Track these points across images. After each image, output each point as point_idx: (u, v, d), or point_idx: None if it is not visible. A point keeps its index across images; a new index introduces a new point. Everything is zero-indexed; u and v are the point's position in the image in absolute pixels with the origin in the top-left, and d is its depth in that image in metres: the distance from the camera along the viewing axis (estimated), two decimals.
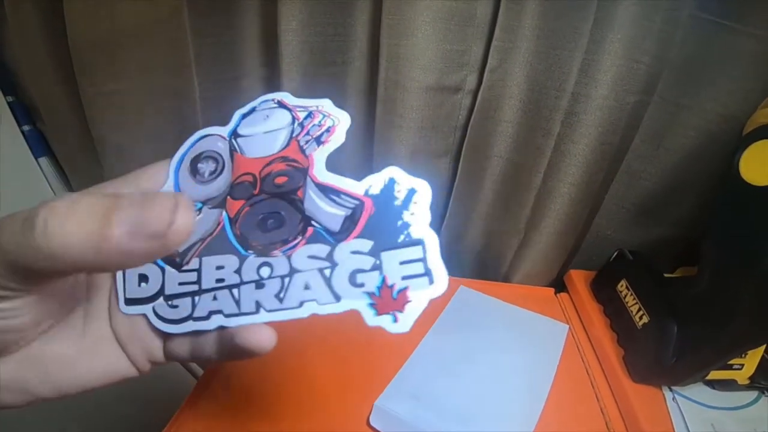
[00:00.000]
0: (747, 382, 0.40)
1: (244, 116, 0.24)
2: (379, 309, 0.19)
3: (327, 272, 0.20)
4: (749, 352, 0.39)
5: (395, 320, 0.19)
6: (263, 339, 0.20)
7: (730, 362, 0.39)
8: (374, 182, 0.21)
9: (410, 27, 0.41)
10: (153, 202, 0.16)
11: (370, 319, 0.19)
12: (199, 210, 0.22)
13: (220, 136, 0.23)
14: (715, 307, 0.38)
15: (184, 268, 0.22)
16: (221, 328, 0.21)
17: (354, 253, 0.20)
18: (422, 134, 0.46)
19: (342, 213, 0.21)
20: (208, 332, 0.21)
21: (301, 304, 0.20)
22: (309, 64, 0.44)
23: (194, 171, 0.23)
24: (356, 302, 0.20)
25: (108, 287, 0.23)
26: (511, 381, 0.41)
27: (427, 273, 0.19)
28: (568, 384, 0.41)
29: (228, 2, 0.44)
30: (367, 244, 0.20)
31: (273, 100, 0.24)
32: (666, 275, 0.46)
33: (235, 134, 0.23)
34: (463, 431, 0.36)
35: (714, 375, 0.39)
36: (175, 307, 0.22)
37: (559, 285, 0.54)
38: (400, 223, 0.20)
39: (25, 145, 0.60)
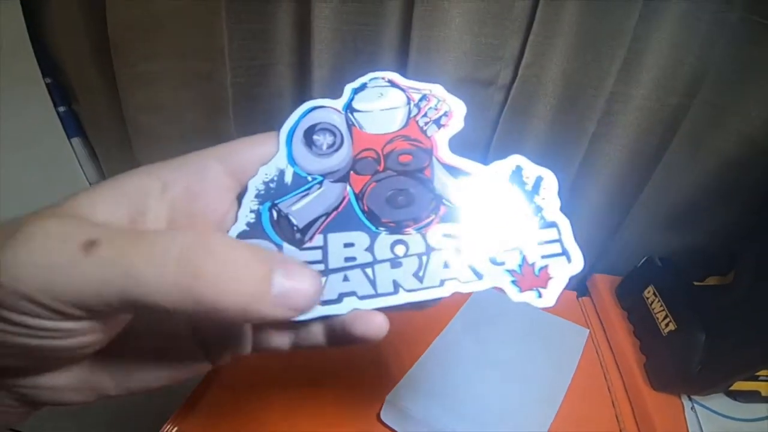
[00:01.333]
0: None
1: (356, 91, 0.23)
2: (522, 286, 0.20)
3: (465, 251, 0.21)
4: None
5: (540, 296, 0.20)
6: (377, 326, 0.19)
7: (760, 373, 0.39)
8: (501, 167, 0.22)
9: (443, 18, 0.41)
10: (303, 276, 0.17)
11: (515, 295, 0.20)
12: (320, 183, 0.22)
13: (334, 109, 0.23)
14: (749, 317, 0.38)
15: (306, 245, 0.21)
16: (355, 311, 0.20)
17: None
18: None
19: (474, 195, 0.22)
20: (339, 317, 0.20)
21: (442, 283, 0.20)
22: (340, 52, 0.45)
23: (309, 143, 0.22)
24: (499, 279, 0.20)
25: None
26: (526, 383, 0.41)
27: (565, 252, 0.21)
28: (585, 388, 0.42)
29: None
30: None
31: (383, 78, 0.24)
32: (695, 283, 0.46)
33: (350, 108, 0.23)
34: (473, 431, 0.36)
35: (737, 386, 0.39)
36: None
37: (582, 289, 0.54)
38: (533, 207, 0.22)
39: (60, 126, 0.63)
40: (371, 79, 0.24)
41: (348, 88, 0.23)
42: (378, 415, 0.37)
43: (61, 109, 0.64)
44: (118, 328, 0.18)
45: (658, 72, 0.42)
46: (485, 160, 0.46)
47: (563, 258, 0.21)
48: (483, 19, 0.42)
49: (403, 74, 0.45)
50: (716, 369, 0.38)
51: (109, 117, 0.58)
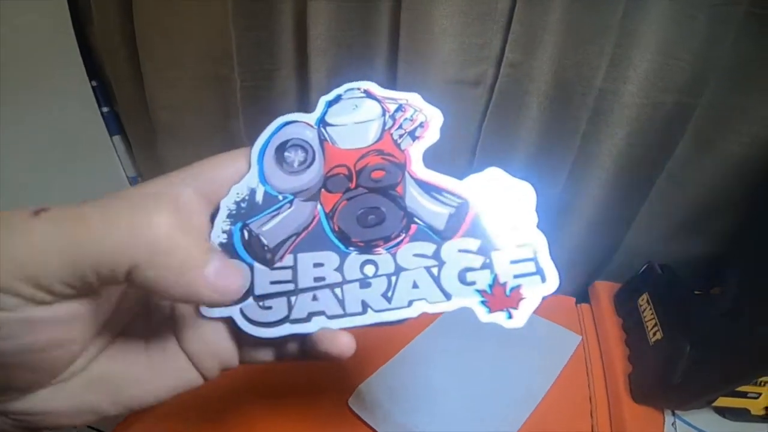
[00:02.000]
0: (762, 412, 0.38)
1: (330, 104, 0.23)
2: (491, 306, 0.20)
3: (435, 270, 0.21)
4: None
5: (510, 316, 0.20)
6: (344, 345, 0.21)
7: (745, 389, 0.37)
8: (477, 181, 0.22)
9: (427, 21, 0.43)
10: (233, 268, 0.20)
11: (484, 316, 0.20)
12: (291, 202, 0.22)
13: (306, 123, 0.23)
14: (733, 329, 0.37)
15: (277, 265, 0.21)
16: (324, 329, 0.21)
17: (462, 251, 0.21)
18: (441, 129, 0.48)
19: (446, 211, 0.21)
20: (314, 335, 0.21)
21: (410, 304, 0.21)
22: (335, 56, 0.48)
23: (281, 160, 0.22)
24: (467, 300, 0.20)
25: (168, 301, 0.22)
26: (503, 385, 0.42)
27: (539, 271, 0.20)
28: (566, 397, 0.42)
29: (268, 2, 0.50)
30: (474, 243, 0.21)
31: (359, 88, 0.23)
32: (697, 293, 0.45)
33: (323, 123, 0.23)
34: (433, 426, 0.38)
35: (725, 402, 0.38)
36: (268, 308, 0.21)
37: (584, 296, 0.54)
38: (508, 223, 0.21)
39: (103, 124, 0.71)
40: (346, 90, 0.23)
41: (322, 101, 0.23)
42: (347, 402, 0.39)
43: (105, 109, 0.71)
44: (101, 319, 0.19)
45: (646, 68, 0.42)
46: (473, 162, 0.47)
47: (537, 277, 0.20)
48: (466, 20, 0.43)
49: (394, 77, 0.48)
50: (698, 381, 0.37)
51: (141, 115, 0.65)
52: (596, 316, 0.50)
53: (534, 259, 0.21)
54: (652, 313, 0.43)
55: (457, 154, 0.50)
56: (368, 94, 0.23)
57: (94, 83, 0.70)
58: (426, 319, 0.47)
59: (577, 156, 0.47)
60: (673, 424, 0.39)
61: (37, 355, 0.18)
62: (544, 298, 0.20)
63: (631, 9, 0.40)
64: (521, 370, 0.44)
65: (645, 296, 0.45)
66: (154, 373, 0.21)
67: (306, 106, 0.54)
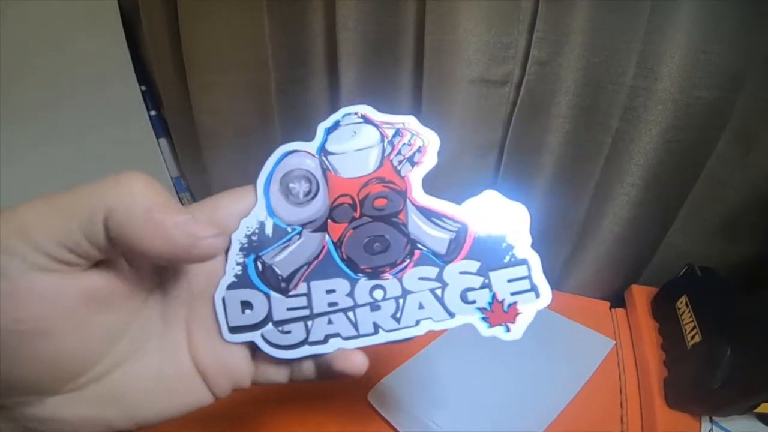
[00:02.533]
0: None
1: (329, 130, 0.24)
2: (491, 322, 0.23)
3: (438, 292, 0.23)
4: None
5: (508, 330, 0.23)
6: (357, 364, 0.23)
7: None
8: (474, 205, 0.24)
9: (452, 20, 0.44)
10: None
11: (484, 330, 0.23)
12: (299, 234, 0.23)
13: (307, 152, 0.24)
14: None
15: (292, 293, 0.23)
16: (340, 350, 0.23)
17: (462, 273, 0.23)
18: (467, 128, 0.49)
19: (447, 236, 0.23)
20: (324, 355, 0.23)
21: (417, 323, 0.23)
22: (363, 57, 0.50)
23: (286, 191, 0.23)
24: (469, 317, 0.23)
25: (183, 318, 0.23)
26: (529, 386, 0.42)
27: (533, 288, 0.23)
28: (596, 401, 0.42)
29: (300, 8, 0.52)
30: (474, 265, 0.23)
31: (356, 113, 0.24)
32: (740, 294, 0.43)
33: (324, 151, 0.24)
34: (452, 424, 0.38)
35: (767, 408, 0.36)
36: (288, 332, 0.23)
37: (620, 300, 0.53)
38: (504, 245, 0.23)
39: (150, 127, 0.76)
40: (344, 116, 0.24)
41: (321, 128, 0.24)
42: (366, 396, 0.40)
43: (152, 113, 0.76)
44: (112, 314, 0.21)
45: (678, 63, 0.41)
46: (500, 161, 0.48)
47: (532, 294, 0.23)
48: (492, 19, 0.44)
49: (420, 77, 0.49)
50: (739, 386, 0.36)
51: (184, 119, 0.69)
52: (631, 320, 0.49)
53: (528, 277, 0.23)
54: (690, 316, 0.42)
55: (485, 153, 0.50)
56: (366, 119, 0.24)
57: (143, 88, 0.75)
58: None
59: (609, 155, 0.47)
60: (710, 431, 0.37)
61: (55, 344, 0.19)
62: (538, 312, 0.23)
63: (660, 3, 0.40)
64: (549, 373, 0.44)
65: (684, 299, 0.44)
66: (167, 391, 0.23)
67: (337, 108, 0.56)
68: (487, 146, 0.50)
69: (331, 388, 0.42)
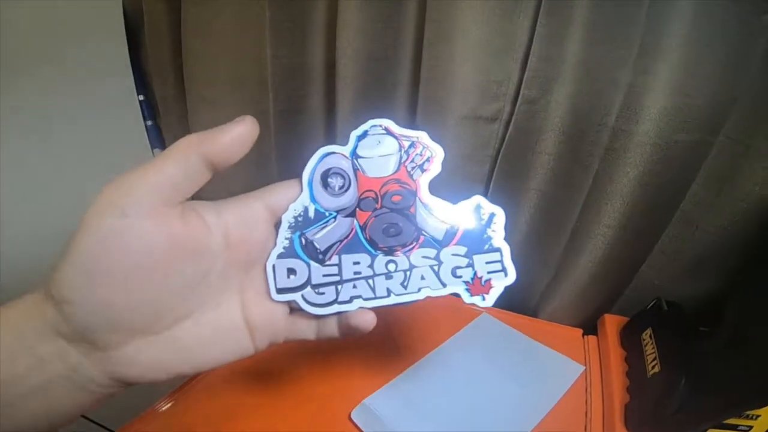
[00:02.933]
0: None
1: (359, 138, 0.31)
2: (472, 292, 0.31)
3: (435, 268, 0.31)
4: (763, 413, 0.39)
5: (483, 299, 0.31)
6: (369, 320, 0.30)
7: (735, 422, 0.39)
8: (466, 205, 0.32)
9: (448, 57, 0.48)
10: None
11: (467, 298, 0.31)
12: (335, 218, 0.31)
13: (342, 155, 0.31)
14: (726, 366, 0.39)
15: (327, 263, 0.31)
16: (361, 308, 0.30)
17: (454, 255, 0.31)
18: (456, 161, 0.53)
19: (444, 227, 0.31)
20: (349, 312, 0.30)
21: (419, 290, 0.31)
22: (361, 85, 0.53)
23: (325, 184, 0.31)
24: (457, 288, 0.31)
25: (239, 283, 0.30)
26: (501, 408, 0.45)
27: (504, 270, 0.31)
28: (562, 425, 0.44)
29: (302, 31, 0.56)
30: (462, 249, 0.31)
31: (381, 126, 0.31)
32: (703, 329, 0.47)
33: (355, 155, 0.31)
34: None
35: None
36: (322, 294, 0.31)
37: (592, 328, 0.56)
38: (485, 236, 0.31)
39: (145, 137, 0.78)
40: (371, 126, 0.32)
41: (353, 136, 0.31)
42: (349, 415, 0.43)
43: (148, 123, 0.78)
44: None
45: (660, 107, 0.44)
46: (486, 195, 0.51)
47: (502, 273, 0.31)
48: (485, 56, 0.47)
49: (414, 109, 0.53)
50: (691, 412, 0.39)
51: (181, 131, 0.71)
52: (601, 348, 0.53)
53: (500, 261, 0.31)
54: (653, 347, 0.45)
55: (472, 186, 0.54)
56: (388, 131, 0.32)
57: (141, 97, 0.77)
58: (433, 341, 0.51)
59: (588, 194, 0.50)
60: None
61: (154, 281, 0.25)
62: (506, 288, 0.31)
63: (647, 45, 0.42)
64: (521, 395, 0.46)
65: (649, 331, 0.47)
66: (220, 341, 0.29)
67: (332, 131, 0.60)
68: (474, 179, 0.54)
69: (314, 406, 0.44)
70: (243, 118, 0.27)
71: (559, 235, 0.53)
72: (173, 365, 0.27)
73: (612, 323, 0.54)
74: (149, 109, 0.78)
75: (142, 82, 0.77)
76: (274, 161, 0.64)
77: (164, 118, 0.76)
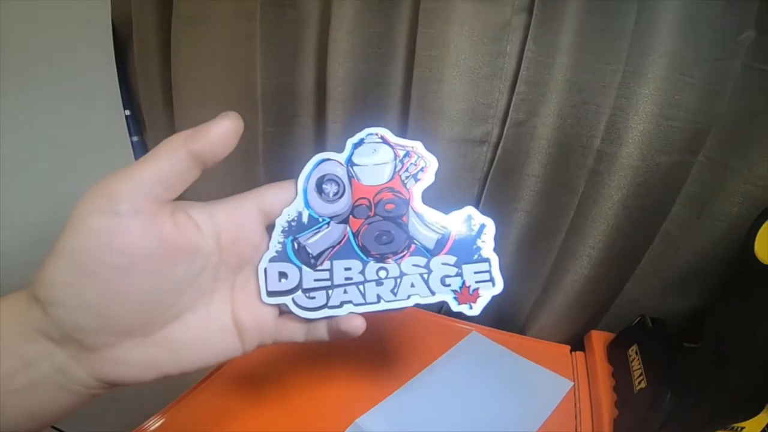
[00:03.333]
0: None
1: (356, 146, 0.32)
2: (460, 300, 0.32)
3: (425, 276, 0.32)
4: (747, 425, 0.40)
5: (471, 308, 0.32)
6: (358, 325, 0.31)
7: None
8: (457, 216, 0.33)
9: (438, 81, 0.49)
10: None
11: (455, 306, 0.32)
12: (328, 223, 0.32)
13: (338, 162, 0.32)
14: (708, 380, 0.41)
15: (318, 268, 0.31)
16: (351, 313, 0.31)
17: (444, 264, 0.32)
18: (445, 185, 0.54)
19: (435, 236, 0.32)
20: (339, 317, 0.31)
21: (408, 297, 0.32)
22: (352, 108, 0.55)
23: (320, 190, 0.31)
24: (445, 296, 0.32)
25: (229, 284, 0.30)
26: (493, 425, 0.46)
27: (491, 280, 0.32)
28: None
29: (293, 52, 0.57)
30: (452, 259, 0.32)
31: (377, 134, 0.32)
32: (688, 345, 0.49)
33: (351, 162, 0.32)
34: None
35: None
36: (313, 298, 0.31)
37: (579, 344, 0.58)
38: (474, 246, 0.32)
39: (132, 153, 0.78)
40: (367, 135, 0.32)
41: (349, 143, 0.32)
42: None
43: (134, 138, 0.78)
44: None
45: (642, 130, 0.45)
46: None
47: (490, 283, 0.32)
48: (476, 80, 0.49)
49: (404, 132, 0.54)
50: (676, 427, 0.40)
51: None
52: (589, 364, 0.54)
53: (489, 271, 0.32)
54: (639, 363, 0.47)
55: (462, 205, 0.54)
56: (384, 140, 0.32)
57: (128, 112, 0.77)
58: (423, 360, 0.52)
59: (574, 216, 0.52)
60: None
61: (144, 282, 0.25)
62: (494, 302, 0.32)
63: (631, 70, 0.44)
64: (510, 413, 0.47)
65: (635, 347, 0.49)
66: (209, 342, 0.29)
67: (318, 152, 0.60)
68: (463, 202, 0.54)
69: (305, 427, 0.45)
70: (227, 113, 0.27)
71: (545, 256, 0.55)
72: (162, 366, 0.28)
73: (599, 339, 0.56)
74: (135, 124, 0.78)
75: (128, 97, 0.77)
76: (264, 182, 0.64)
77: (151, 134, 0.76)
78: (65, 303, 0.24)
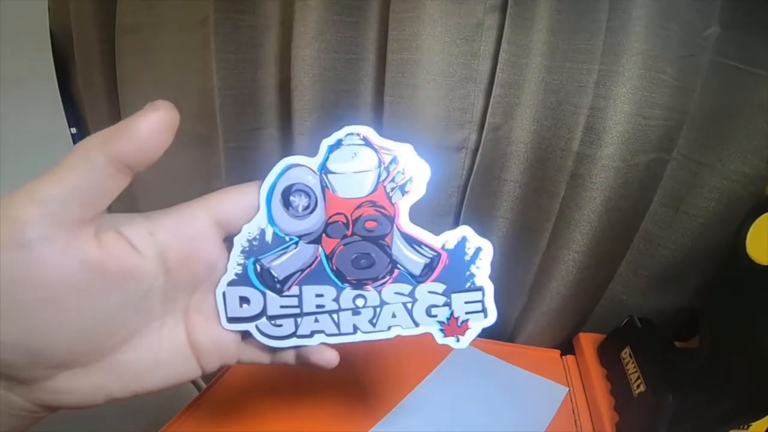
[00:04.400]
0: None
1: (332, 148, 0.26)
2: (446, 333, 0.28)
3: (409, 305, 0.28)
4: (753, 425, 0.40)
5: (458, 341, 0.29)
6: (330, 358, 0.28)
7: None
8: (449, 238, 0.28)
9: (411, 86, 0.47)
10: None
11: (440, 339, 0.29)
12: (296, 243, 0.27)
13: (309, 168, 0.26)
14: (710, 382, 0.40)
15: (285, 293, 0.27)
16: (323, 344, 0.28)
17: (430, 292, 0.28)
18: (423, 196, 0.51)
19: (422, 261, 0.28)
20: (309, 348, 0.28)
21: (389, 328, 0.28)
22: (319, 118, 0.51)
23: (287, 203, 0.26)
24: (430, 328, 0.28)
25: (182, 307, 0.26)
26: None
27: (484, 310, 0.29)
28: None
29: (252, 59, 0.53)
30: (440, 287, 0.28)
31: (358, 134, 0.26)
32: (678, 344, 0.48)
33: (325, 169, 0.26)
34: None
35: None
36: (279, 326, 0.28)
37: (568, 347, 0.57)
38: (468, 273, 0.28)
39: None
40: (347, 135, 0.26)
41: (324, 145, 0.26)
42: None
43: None
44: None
45: (621, 130, 0.44)
46: (457, 225, 0.50)
47: (481, 315, 0.29)
48: (451, 84, 0.47)
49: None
50: (682, 431, 0.40)
51: None
52: (581, 367, 0.53)
53: (482, 301, 0.28)
54: (634, 367, 0.46)
55: (441, 218, 0.53)
56: (366, 141, 0.26)
57: (74, 130, 0.72)
58: (412, 377, 0.50)
59: (556, 221, 0.50)
60: None
61: (74, 317, 0.22)
62: (484, 329, 0.29)
63: (605, 70, 0.43)
64: (511, 423, 0.46)
65: (627, 350, 0.48)
66: (163, 365, 0.26)
67: None
68: (443, 212, 0.53)
69: None
70: (155, 103, 0.23)
71: (529, 262, 0.53)
72: (110, 390, 0.25)
73: (587, 341, 0.55)
74: None
75: (73, 114, 0.72)
76: None
77: None
78: None
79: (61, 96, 0.68)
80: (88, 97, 0.68)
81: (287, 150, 0.57)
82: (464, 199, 0.52)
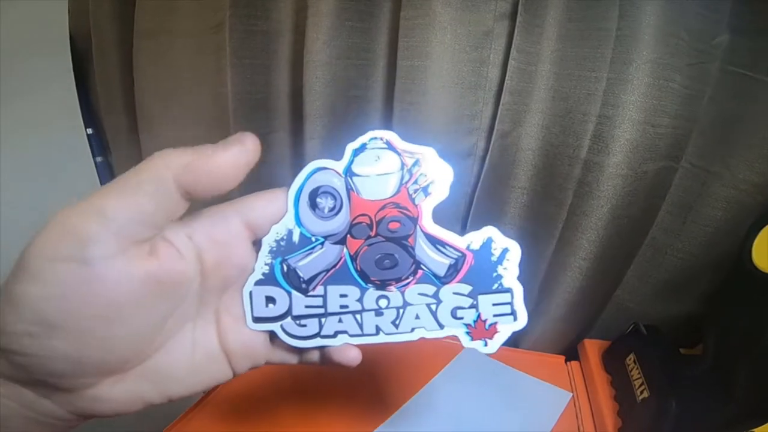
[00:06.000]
0: None
1: (356, 152, 0.27)
2: (473, 336, 0.28)
3: (433, 307, 0.28)
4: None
5: (486, 344, 0.28)
6: (353, 357, 0.28)
7: None
8: (475, 239, 0.28)
9: (420, 92, 0.47)
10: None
11: (467, 342, 0.28)
12: (322, 244, 0.27)
13: (335, 171, 0.27)
14: (714, 388, 0.40)
15: (310, 293, 0.28)
16: (346, 344, 0.28)
17: (456, 294, 0.28)
18: None
19: (447, 262, 0.27)
20: (332, 347, 0.28)
21: (412, 330, 0.28)
22: (330, 123, 0.52)
23: (313, 205, 0.27)
24: (456, 330, 0.28)
25: (214, 309, 0.27)
26: None
27: (513, 313, 0.28)
28: None
29: (266, 65, 0.54)
30: (466, 288, 0.28)
31: (381, 138, 0.27)
32: (683, 351, 0.48)
33: (350, 172, 0.27)
34: None
35: None
36: (304, 326, 0.28)
37: (573, 353, 0.57)
38: (495, 274, 0.28)
39: (95, 174, 0.74)
40: (371, 139, 0.27)
41: (349, 149, 0.27)
42: None
43: (98, 159, 0.74)
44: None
45: (629, 138, 0.44)
46: (464, 231, 0.51)
47: (511, 317, 0.28)
48: (460, 91, 0.47)
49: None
50: None
51: None
52: (585, 373, 0.53)
53: (510, 303, 0.28)
54: (639, 373, 0.46)
55: (449, 222, 0.53)
56: (389, 145, 0.27)
57: (90, 131, 0.73)
58: (417, 380, 0.50)
59: (563, 228, 0.50)
60: None
61: (125, 327, 0.22)
62: (514, 333, 0.28)
63: (614, 78, 0.43)
64: (513, 428, 0.46)
65: (632, 356, 0.48)
66: (196, 369, 0.26)
67: (300, 169, 0.57)
68: (451, 219, 0.53)
69: None
70: (240, 136, 0.22)
71: (536, 269, 0.54)
72: (147, 397, 0.25)
73: (592, 347, 0.55)
74: (99, 144, 0.74)
75: (90, 115, 0.73)
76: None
77: (115, 154, 0.72)
78: (30, 353, 0.20)
79: (78, 97, 0.70)
80: (104, 99, 0.69)
81: (298, 154, 0.57)
82: (472, 205, 0.52)
